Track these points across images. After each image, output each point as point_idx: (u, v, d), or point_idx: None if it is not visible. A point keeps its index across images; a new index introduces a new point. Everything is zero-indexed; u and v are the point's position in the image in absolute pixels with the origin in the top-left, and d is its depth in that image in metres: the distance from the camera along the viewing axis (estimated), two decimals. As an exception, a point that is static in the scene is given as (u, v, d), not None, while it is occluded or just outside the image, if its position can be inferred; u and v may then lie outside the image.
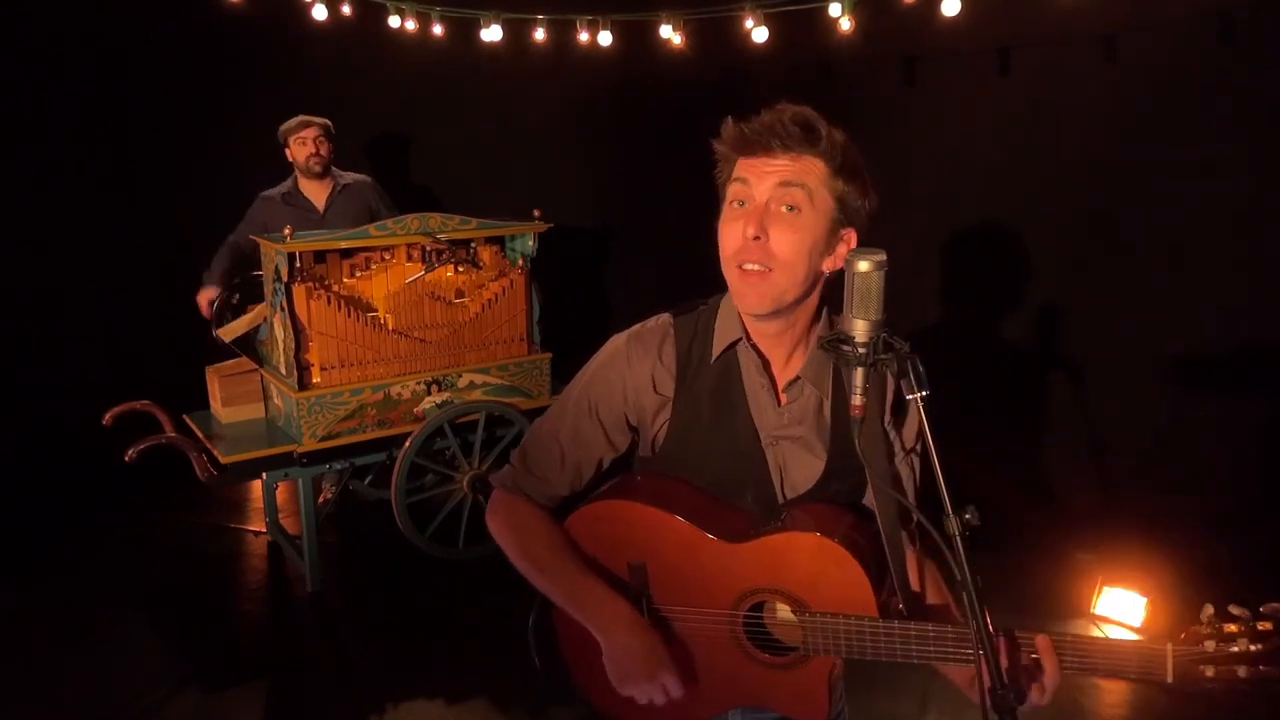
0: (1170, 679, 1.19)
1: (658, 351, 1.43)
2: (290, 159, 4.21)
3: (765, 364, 1.41)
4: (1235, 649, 1.14)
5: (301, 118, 4.13)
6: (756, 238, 1.27)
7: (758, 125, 1.28)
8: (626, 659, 1.37)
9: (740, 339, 1.40)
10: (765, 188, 1.28)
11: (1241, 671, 1.14)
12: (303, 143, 4.12)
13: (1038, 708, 1.23)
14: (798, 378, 1.40)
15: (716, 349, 1.41)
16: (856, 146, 1.31)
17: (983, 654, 1.09)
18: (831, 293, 1.44)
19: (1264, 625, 1.14)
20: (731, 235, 1.31)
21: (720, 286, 1.45)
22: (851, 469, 1.40)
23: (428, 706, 2.99)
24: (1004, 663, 1.15)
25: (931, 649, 1.29)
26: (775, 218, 1.27)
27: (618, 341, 1.47)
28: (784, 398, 1.42)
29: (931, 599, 1.44)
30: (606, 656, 1.39)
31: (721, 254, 1.35)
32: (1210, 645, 1.16)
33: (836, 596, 1.33)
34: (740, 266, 1.29)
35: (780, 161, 1.27)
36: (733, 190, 1.31)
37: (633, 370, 1.43)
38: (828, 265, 1.33)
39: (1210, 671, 1.16)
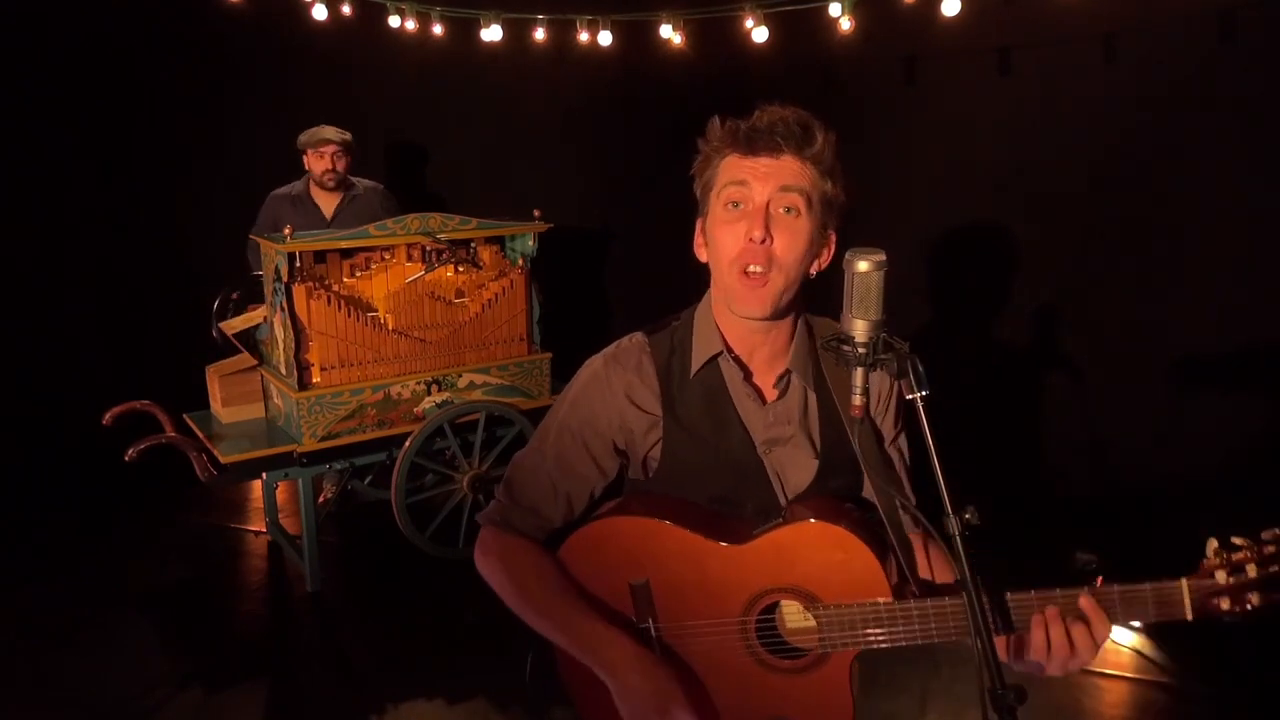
0: (1189, 616, 1.21)
1: (637, 370, 1.40)
2: (306, 167, 4.20)
3: (747, 374, 1.41)
4: (1246, 576, 1.17)
5: (321, 133, 4.09)
6: (764, 240, 1.26)
7: (758, 124, 1.26)
8: (636, 699, 1.33)
9: (721, 352, 1.39)
10: (766, 190, 1.26)
11: (1255, 599, 1.17)
12: (320, 156, 4.11)
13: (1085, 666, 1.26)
14: (787, 370, 1.40)
15: (696, 363, 1.40)
16: (839, 149, 1.30)
17: (983, 652, 1.09)
18: (811, 295, 1.45)
19: (1269, 549, 1.17)
20: (733, 237, 1.29)
21: (691, 299, 1.45)
22: (845, 462, 1.40)
23: (428, 706, 2.99)
24: (1054, 630, 1.21)
25: (952, 624, 1.27)
26: (776, 220, 1.27)
27: (594, 365, 1.44)
28: (774, 393, 1.41)
29: (943, 577, 1.41)
30: (616, 697, 1.35)
31: (718, 256, 1.32)
32: (1221, 576, 1.18)
33: (847, 583, 1.30)
34: (745, 270, 1.28)
35: (779, 162, 1.26)
36: (729, 192, 1.29)
37: (614, 392, 1.40)
38: (814, 268, 1.34)
39: (1225, 604, 1.19)
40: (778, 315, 1.33)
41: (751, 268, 1.28)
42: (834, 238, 1.34)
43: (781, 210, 1.27)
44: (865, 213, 4.74)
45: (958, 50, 4.17)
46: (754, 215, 1.26)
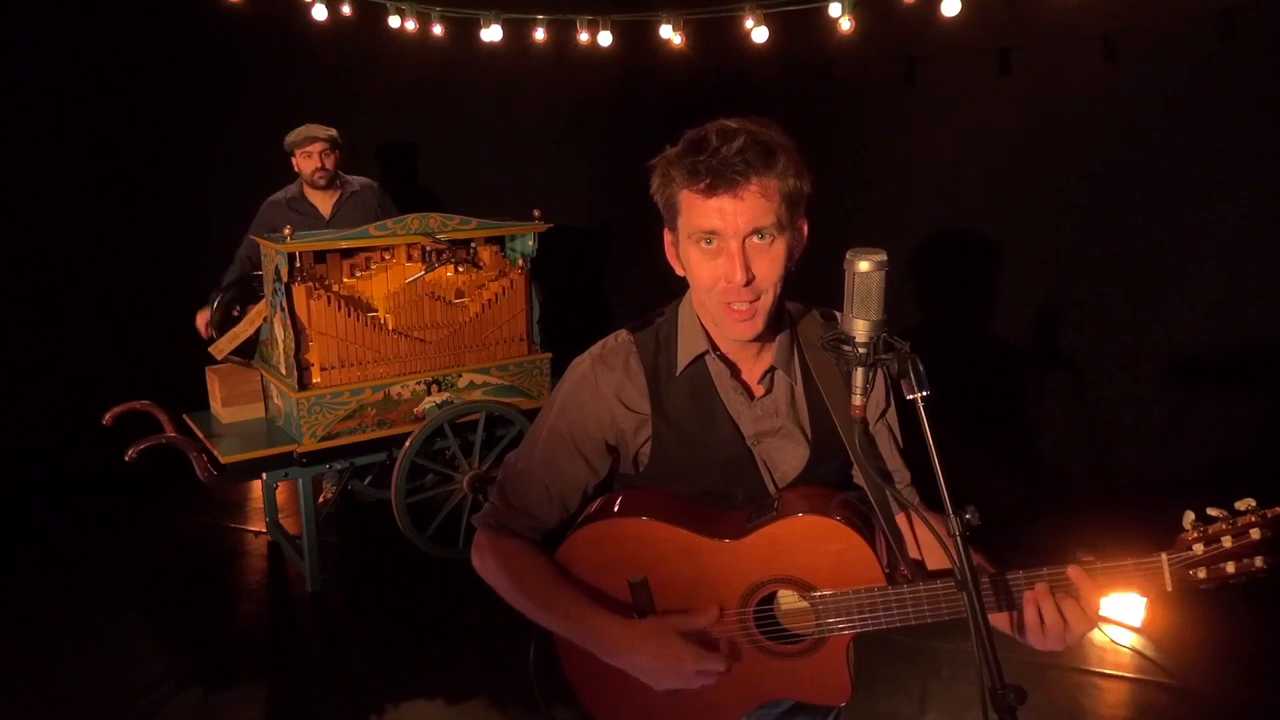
0: (1170, 587, 1.25)
1: (624, 370, 1.41)
2: (296, 169, 4.18)
3: (735, 371, 1.41)
4: (1222, 546, 1.21)
5: (307, 131, 4.07)
6: (746, 283, 1.24)
7: (714, 163, 1.20)
8: (650, 673, 1.35)
9: (706, 351, 1.39)
10: (737, 232, 1.23)
11: (1230, 568, 1.22)
12: (308, 156, 4.08)
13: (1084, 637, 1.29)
14: (772, 367, 1.41)
15: (681, 361, 1.40)
16: (797, 143, 1.27)
17: (982, 652, 1.09)
18: (809, 292, 1.45)
19: (1243, 520, 1.21)
20: (710, 274, 1.27)
21: (674, 294, 1.45)
22: (835, 448, 1.41)
23: (428, 706, 2.99)
24: (1045, 605, 1.24)
25: (944, 606, 1.30)
26: (753, 253, 1.25)
27: (581, 366, 1.44)
28: (760, 388, 1.42)
29: (933, 563, 1.43)
30: (634, 674, 1.36)
31: (697, 282, 1.32)
32: (1199, 548, 1.23)
33: (841, 571, 1.33)
34: (730, 305, 1.28)
35: (744, 202, 1.22)
36: (698, 235, 1.26)
37: (602, 393, 1.40)
38: (794, 259, 1.33)
39: (1202, 573, 1.23)
40: (767, 331, 1.34)
41: (736, 305, 1.27)
42: (805, 224, 1.32)
43: (755, 240, 1.25)
44: (866, 212, 4.76)
45: (958, 50, 4.17)
46: (730, 257, 1.24)
